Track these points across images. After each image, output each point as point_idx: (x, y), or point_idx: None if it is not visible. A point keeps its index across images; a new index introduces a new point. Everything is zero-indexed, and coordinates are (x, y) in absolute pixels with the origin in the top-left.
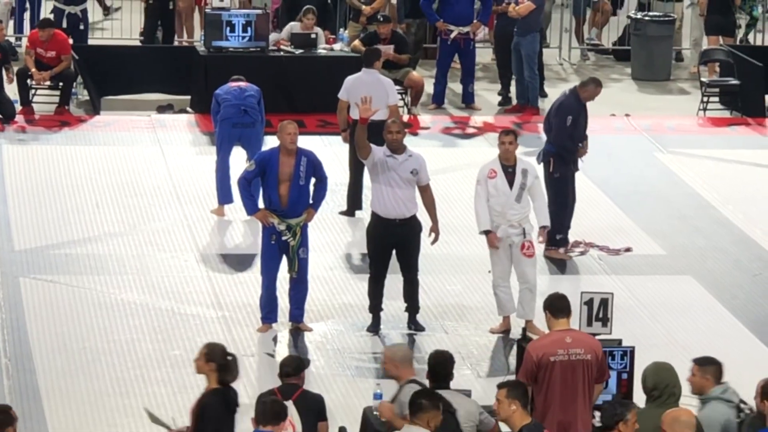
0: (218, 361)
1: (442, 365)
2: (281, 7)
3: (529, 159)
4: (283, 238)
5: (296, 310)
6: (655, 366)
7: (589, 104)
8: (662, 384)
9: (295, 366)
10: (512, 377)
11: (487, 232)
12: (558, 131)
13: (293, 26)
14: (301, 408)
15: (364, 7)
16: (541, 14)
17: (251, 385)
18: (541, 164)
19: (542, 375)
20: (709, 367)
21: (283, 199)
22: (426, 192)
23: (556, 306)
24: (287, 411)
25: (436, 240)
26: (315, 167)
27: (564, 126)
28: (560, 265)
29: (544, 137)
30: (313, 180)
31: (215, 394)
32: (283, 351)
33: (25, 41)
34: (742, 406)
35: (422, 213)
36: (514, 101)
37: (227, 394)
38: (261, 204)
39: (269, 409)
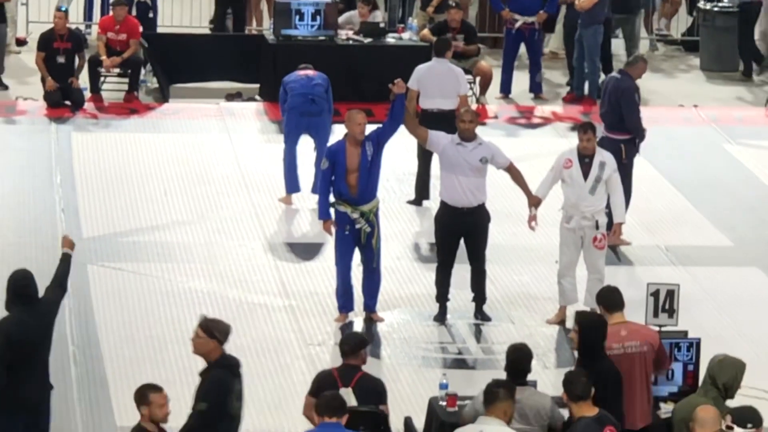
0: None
1: (519, 360)
2: None
3: (607, 152)
4: (357, 226)
5: (370, 300)
6: (737, 365)
7: (656, 95)
8: (735, 385)
9: (352, 344)
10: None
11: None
12: (631, 115)
13: (352, 15)
14: (360, 393)
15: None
16: (605, 6)
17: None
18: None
19: None
20: None
21: (352, 189)
22: (511, 171)
23: (611, 300)
24: (346, 406)
25: (535, 213)
26: (378, 139)
27: (637, 109)
28: (626, 257)
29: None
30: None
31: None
32: None
33: (95, 29)
34: None
35: (492, 202)
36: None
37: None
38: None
39: (330, 404)
